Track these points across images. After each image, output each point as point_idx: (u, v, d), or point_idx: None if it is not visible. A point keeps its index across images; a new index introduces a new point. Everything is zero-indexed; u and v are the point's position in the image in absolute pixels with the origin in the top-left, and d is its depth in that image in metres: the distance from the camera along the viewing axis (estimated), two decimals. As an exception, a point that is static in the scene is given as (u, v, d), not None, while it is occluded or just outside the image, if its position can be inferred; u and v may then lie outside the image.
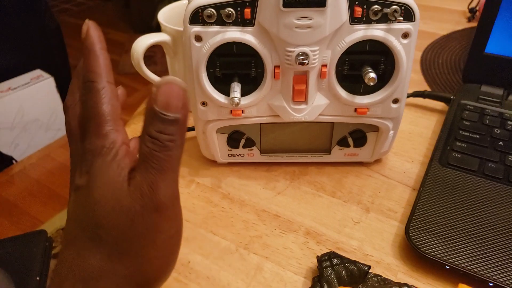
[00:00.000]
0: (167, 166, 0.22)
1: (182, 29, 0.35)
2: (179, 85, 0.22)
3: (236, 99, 0.33)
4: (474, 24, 0.67)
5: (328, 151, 0.40)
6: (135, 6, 2.34)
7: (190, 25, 0.33)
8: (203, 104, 0.36)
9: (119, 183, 0.23)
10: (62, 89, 1.58)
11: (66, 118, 0.27)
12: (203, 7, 0.32)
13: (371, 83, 0.32)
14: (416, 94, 0.48)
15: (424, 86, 0.53)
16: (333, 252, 0.30)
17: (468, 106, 0.44)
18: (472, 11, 0.68)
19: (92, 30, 0.26)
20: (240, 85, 0.35)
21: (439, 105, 0.49)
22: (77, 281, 0.22)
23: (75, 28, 2.51)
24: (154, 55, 1.97)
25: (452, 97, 0.46)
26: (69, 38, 2.07)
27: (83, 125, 0.25)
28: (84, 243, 0.23)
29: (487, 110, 0.43)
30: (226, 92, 0.35)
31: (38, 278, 0.50)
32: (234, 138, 0.39)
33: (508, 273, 0.29)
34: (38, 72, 1.54)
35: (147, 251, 0.23)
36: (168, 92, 0.22)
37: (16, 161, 1.47)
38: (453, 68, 0.55)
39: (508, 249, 0.31)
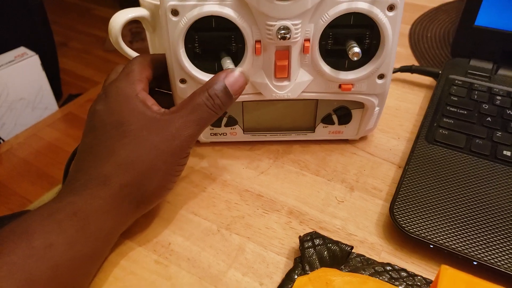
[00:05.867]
0: (203, 118, 0.30)
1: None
2: (247, 79, 0.31)
3: None
4: (465, -4, 0.65)
5: (312, 129, 0.39)
6: (121, -20, 2.27)
7: (166, -2, 0.31)
8: (182, 81, 0.35)
9: (134, 96, 0.30)
10: (48, 67, 1.54)
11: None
12: (179, -21, 0.30)
13: (355, 58, 0.31)
14: (403, 69, 0.47)
15: (412, 61, 0.52)
16: (316, 232, 0.30)
17: (456, 81, 0.43)
18: (463, -18, 0.65)
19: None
20: (230, 58, 0.33)
21: (427, 80, 0.48)
22: (115, 169, 0.29)
23: (59, 4, 2.43)
24: (142, 31, 1.93)
25: (440, 72, 0.45)
26: (53, 14, 2.01)
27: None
28: (113, 139, 0.29)
29: (475, 85, 0.42)
30: (205, 68, 0.34)
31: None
32: (216, 116, 0.38)
33: (492, 251, 0.29)
34: (22, 49, 1.49)
35: (156, 154, 0.29)
36: (239, 78, 0.30)
37: (3, 140, 1.44)
38: (442, 42, 0.54)
39: (492, 227, 0.30)
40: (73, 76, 1.85)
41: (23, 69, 1.46)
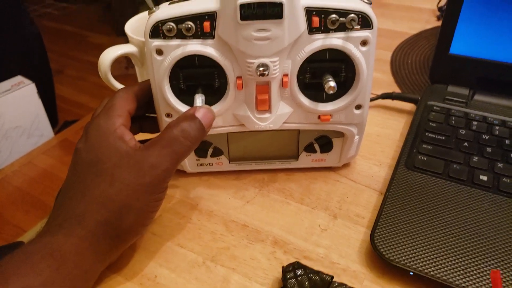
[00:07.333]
0: (178, 152, 0.31)
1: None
2: (214, 114, 0.34)
3: None
4: (445, 22, 0.67)
5: (295, 157, 0.40)
6: (117, 9, 2.32)
7: (150, 39, 0.33)
8: (168, 115, 0.36)
9: (112, 132, 0.31)
10: (44, 94, 1.56)
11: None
12: (163, 21, 0.32)
13: (331, 92, 0.33)
14: (384, 96, 0.48)
15: (394, 87, 0.53)
16: (298, 262, 0.31)
17: (434, 107, 0.45)
18: (441, 9, 0.68)
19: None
20: (203, 96, 0.35)
21: (408, 106, 0.49)
22: (93, 206, 0.29)
23: (56, 32, 2.47)
24: (137, 57, 1.95)
25: (419, 98, 0.46)
26: (50, 42, 2.04)
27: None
28: (89, 178, 0.30)
29: (452, 111, 0.44)
30: (190, 103, 0.35)
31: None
32: (202, 148, 0.39)
33: (470, 277, 0.30)
34: (19, 78, 1.51)
35: (128, 192, 0.29)
36: (208, 112, 0.33)
37: (-2, 169, 1.45)
38: (422, 68, 0.56)
39: (470, 253, 0.31)
40: (69, 103, 1.87)
41: (20, 98, 1.48)
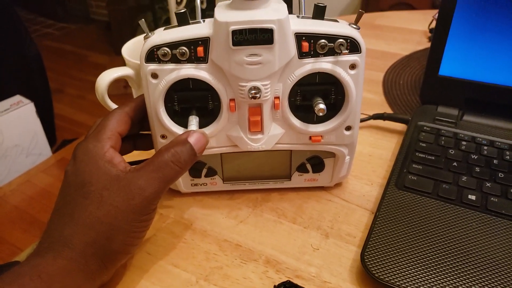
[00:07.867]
0: (168, 176, 0.31)
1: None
2: (208, 139, 0.34)
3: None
4: (436, 43, 0.69)
5: (288, 177, 0.41)
6: (116, 29, 2.36)
7: (146, 63, 0.34)
8: (163, 137, 0.37)
9: (101, 156, 0.31)
10: (43, 113, 1.57)
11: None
12: (158, 46, 0.33)
13: (321, 114, 0.34)
14: (376, 117, 0.49)
15: (386, 107, 0.55)
16: (289, 281, 0.31)
17: (424, 128, 0.46)
18: (432, 31, 0.70)
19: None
20: (197, 118, 0.36)
21: (400, 126, 0.50)
22: (80, 230, 0.29)
23: (56, 52, 2.51)
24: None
25: (410, 118, 0.47)
26: (50, 62, 2.07)
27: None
28: (76, 201, 0.30)
29: (442, 131, 0.45)
30: (185, 124, 0.36)
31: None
32: (196, 168, 0.40)
33: (458, 294, 0.30)
34: (18, 98, 1.53)
35: (116, 214, 0.30)
36: (201, 137, 0.33)
37: (-4, 188, 1.45)
38: (414, 88, 0.57)
39: (459, 272, 0.32)
40: (68, 121, 1.89)
41: (19, 117, 1.49)
